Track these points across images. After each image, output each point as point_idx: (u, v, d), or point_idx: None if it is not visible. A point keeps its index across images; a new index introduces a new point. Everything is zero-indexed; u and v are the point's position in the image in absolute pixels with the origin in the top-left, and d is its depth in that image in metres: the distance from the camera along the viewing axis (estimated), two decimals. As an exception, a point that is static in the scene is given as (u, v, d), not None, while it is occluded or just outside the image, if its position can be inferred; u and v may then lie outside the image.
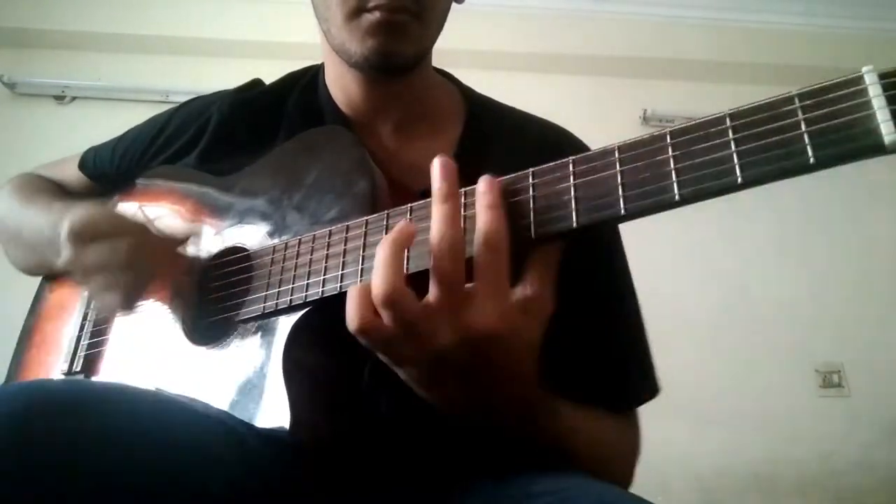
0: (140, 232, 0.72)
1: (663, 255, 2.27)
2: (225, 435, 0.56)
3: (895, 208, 2.46)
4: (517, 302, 0.53)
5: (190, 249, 0.79)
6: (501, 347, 0.53)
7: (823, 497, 2.08)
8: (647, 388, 0.80)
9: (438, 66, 0.92)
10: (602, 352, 0.76)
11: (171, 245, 0.76)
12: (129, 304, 0.72)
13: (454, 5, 0.86)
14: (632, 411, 0.80)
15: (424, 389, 0.57)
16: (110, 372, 0.80)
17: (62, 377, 0.82)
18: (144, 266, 0.71)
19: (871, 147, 0.40)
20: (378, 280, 0.51)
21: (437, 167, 0.55)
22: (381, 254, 0.52)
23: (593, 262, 0.76)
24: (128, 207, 0.88)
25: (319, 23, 0.81)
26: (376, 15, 0.72)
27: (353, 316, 0.52)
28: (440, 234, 0.52)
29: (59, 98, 2.43)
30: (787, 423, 2.16)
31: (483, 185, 0.55)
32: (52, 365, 0.85)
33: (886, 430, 2.16)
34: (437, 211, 0.53)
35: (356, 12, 0.74)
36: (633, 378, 0.79)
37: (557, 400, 0.66)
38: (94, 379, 0.80)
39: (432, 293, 0.51)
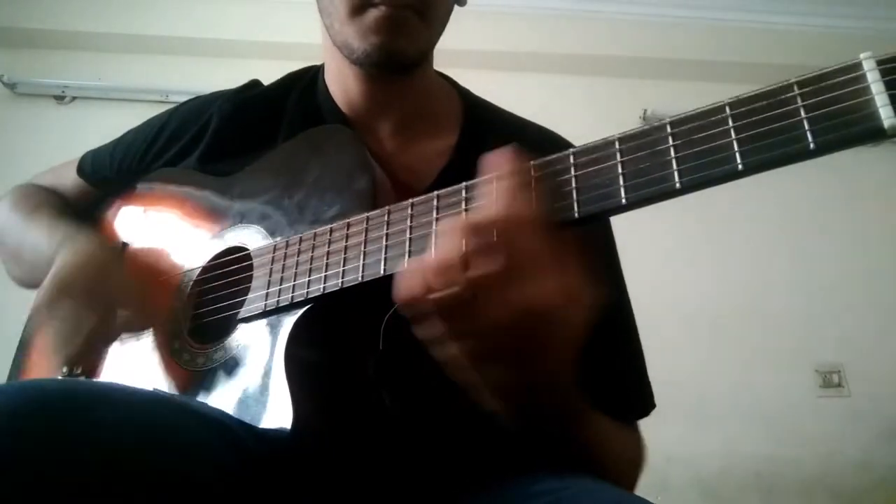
0: (111, 299, 0.74)
1: (663, 256, 2.28)
2: (222, 435, 0.56)
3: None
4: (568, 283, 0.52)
5: (183, 257, 0.80)
6: (556, 326, 0.51)
7: (823, 497, 2.08)
8: (649, 399, 0.80)
9: (438, 67, 0.92)
10: (610, 361, 0.76)
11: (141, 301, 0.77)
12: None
13: (455, 7, 0.86)
14: (635, 424, 0.80)
15: (472, 368, 0.54)
16: (110, 373, 0.80)
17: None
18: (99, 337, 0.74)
19: (871, 131, 0.40)
20: (446, 245, 0.50)
21: (498, 152, 0.54)
22: (442, 227, 0.51)
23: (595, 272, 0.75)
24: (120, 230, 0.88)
25: (322, 18, 0.81)
26: (381, 10, 0.72)
27: (402, 288, 0.51)
28: (507, 205, 0.51)
29: (59, 98, 2.43)
30: (788, 423, 2.16)
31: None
32: (53, 368, 0.85)
33: (886, 431, 2.16)
34: (503, 185, 0.52)
35: (361, 7, 0.74)
36: (638, 388, 0.79)
37: (588, 401, 0.65)
38: (94, 380, 0.80)
39: (489, 267, 0.49)
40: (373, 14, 0.73)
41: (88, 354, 0.74)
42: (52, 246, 0.81)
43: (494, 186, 0.52)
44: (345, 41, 0.77)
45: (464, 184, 0.58)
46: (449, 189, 0.59)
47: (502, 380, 0.54)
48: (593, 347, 0.73)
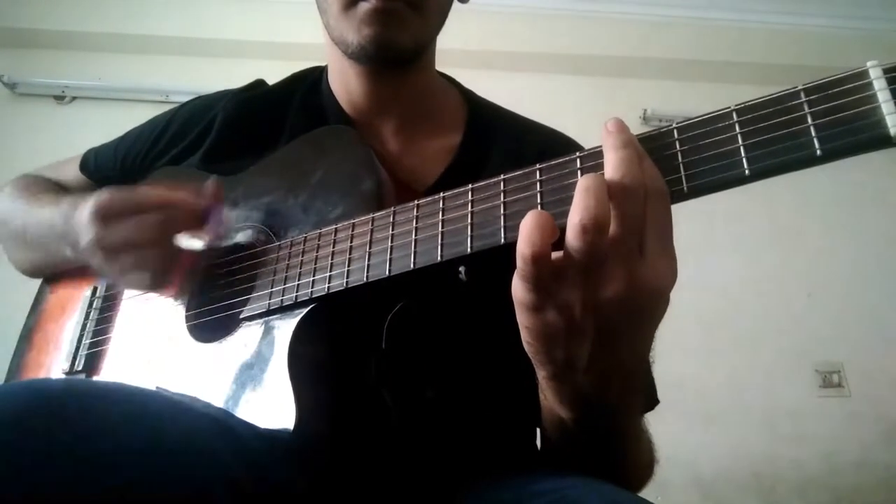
0: (164, 206, 0.70)
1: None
2: (224, 434, 0.56)
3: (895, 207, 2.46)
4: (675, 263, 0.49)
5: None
6: (659, 307, 0.49)
7: (823, 497, 2.08)
8: (655, 395, 0.79)
9: (438, 67, 0.92)
10: None
11: (192, 219, 0.72)
12: (159, 282, 0.71)
13: (457, 4, 0.86)
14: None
15: (563, 341, 0.50)
16: (112, 371, 0.80)
17: (63, 376, 0.82)
18: (172, 241, 0.69)
19: (877, 139, 0.41)
20: (592, 202, 0.45)
21: (609, 123, 0.51)
22: (587, 183, 0.46)
23: None
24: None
25: (320, 16, 0.81)
26: (371, 2, 0.73)
27: (534, 240, 0.46)
28: (622, 176, 0.47)
29: (59, 98, 2.43)
30: (788, 423, 2.16)
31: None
32: (53, 364, 0.85)
33: (886, 430, 2.16)
34: (618, 156, 0.48)
35: (352, 1, 0.74)
36: (649, 383, 0.78)
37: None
38: (95, 378, 0.80)
39: (615, 234, 0.47)
40: (364, 7, 0.74)
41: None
42: (62, 213, 0.79)
43: (617, 156, 0.48)
44: (340, 36, 0.78)
45: (470, 185, 0.58)
46: (455, 191, 0.59)
47: (586, 359, 0.51)
48: None
